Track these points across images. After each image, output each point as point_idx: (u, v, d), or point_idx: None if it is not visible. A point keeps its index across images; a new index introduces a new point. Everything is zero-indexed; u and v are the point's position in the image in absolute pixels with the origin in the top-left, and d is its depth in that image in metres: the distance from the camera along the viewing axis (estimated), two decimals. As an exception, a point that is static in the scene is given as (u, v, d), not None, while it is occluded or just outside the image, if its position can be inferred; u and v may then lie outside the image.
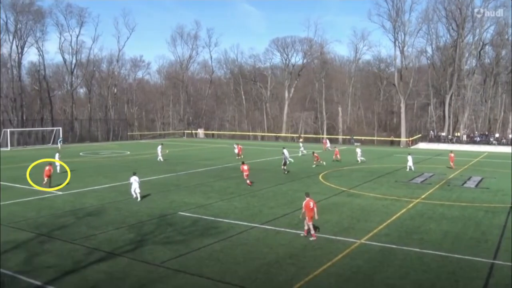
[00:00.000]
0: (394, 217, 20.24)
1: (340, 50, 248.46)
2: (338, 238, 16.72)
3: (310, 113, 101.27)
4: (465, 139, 68.72)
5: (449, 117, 78.27)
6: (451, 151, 42.23)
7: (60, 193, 26.04)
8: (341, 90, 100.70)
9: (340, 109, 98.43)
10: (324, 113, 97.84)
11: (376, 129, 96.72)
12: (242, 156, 45.74)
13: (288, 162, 37.00)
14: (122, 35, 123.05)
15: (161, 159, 43.92)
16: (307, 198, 16.87)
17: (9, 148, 60.40)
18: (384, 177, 33.62)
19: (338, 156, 44.24)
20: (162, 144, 48.27)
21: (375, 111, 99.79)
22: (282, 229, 17.87)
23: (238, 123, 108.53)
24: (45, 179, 28.31)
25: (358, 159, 43.65)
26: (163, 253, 14.83)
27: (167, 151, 53.88)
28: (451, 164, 39.02)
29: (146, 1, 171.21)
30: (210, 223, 18.92)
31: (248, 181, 29.18)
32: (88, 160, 45.12)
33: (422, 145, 68.93)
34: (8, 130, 62.95)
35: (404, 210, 21.79)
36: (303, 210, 16.83)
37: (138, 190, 23.97)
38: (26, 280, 12.50)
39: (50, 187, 27.61)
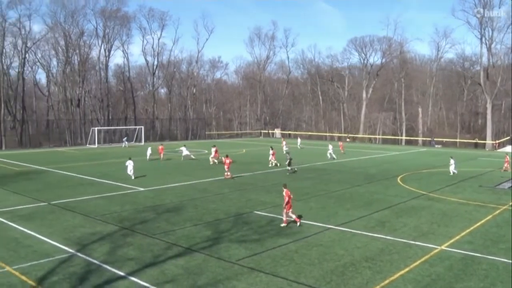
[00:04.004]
0: (478, 223, 19.16)
1: (421, 48, 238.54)
2: (416, 243, 16.12)
3: (388, 113, 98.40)
4: (560, 142, 63.72)
5: (541, 118, 72.87)
6: (507, 153, 42.97)
7: (142, 189, 27.27)
8: (421, 90, 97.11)
9: (420, 109, 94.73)
10: (403, 114, 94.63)
11: (459, 131, 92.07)
12: (218, 159, 40.49)
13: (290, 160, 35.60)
14: (201, 36, 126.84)
15: (183, 159, 43.26)
16: (285, 189, 18.56)
17: (96, 145, 64.13)
18: (467, 181, 31.94)
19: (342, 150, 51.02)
20: (185, 145, 46.91)
21: (458, 112, 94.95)
22: (358, 231, 17.53)
23: (315, 123, 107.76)
24: (161, 155, 42.18)
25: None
26: (239, 251, 15.07)
27: (244, 150, 54.58)
28: (505, 166, 37.82)
29: (224, 3, 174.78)
30: (285, 223, 18.94)
31: (228, 173, 31.40)
32: (168, 158, 46.60)
33: (511, 149, 64.66)
34: (96, 128, 66.89)
35: (490, 217, 20.56)
36: (287, 199, 18.34)
37: (131, 170, 30.93)
38: (111, 270, 13.23)
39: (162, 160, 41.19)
